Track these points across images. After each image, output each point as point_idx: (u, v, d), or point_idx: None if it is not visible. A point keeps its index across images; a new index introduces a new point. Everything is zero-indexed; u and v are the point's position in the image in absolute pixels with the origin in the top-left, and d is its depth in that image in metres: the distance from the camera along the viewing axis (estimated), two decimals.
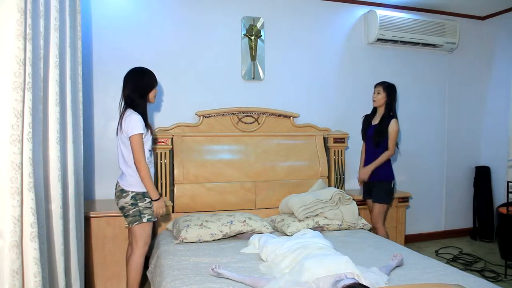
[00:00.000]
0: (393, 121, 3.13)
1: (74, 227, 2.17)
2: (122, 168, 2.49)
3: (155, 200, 2.44)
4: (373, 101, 3.26)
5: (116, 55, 3.23)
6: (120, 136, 2.44)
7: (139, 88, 2.47)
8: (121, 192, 2.45)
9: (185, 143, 3.27)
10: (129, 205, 2.42)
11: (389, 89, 3.21)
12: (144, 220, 2.43)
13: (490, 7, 4.17)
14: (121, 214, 2.52)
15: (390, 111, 3.19)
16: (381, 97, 3.20)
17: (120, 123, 2.43)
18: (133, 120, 2.36)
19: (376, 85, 3.27)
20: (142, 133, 2.38)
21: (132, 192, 2.43)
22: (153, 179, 2.58)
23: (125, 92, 2.47)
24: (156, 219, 2.52)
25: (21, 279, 1.50)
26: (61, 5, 1.95)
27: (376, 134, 3.17)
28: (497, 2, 4.00)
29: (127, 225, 2.51)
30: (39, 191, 1.65)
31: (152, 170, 2.53)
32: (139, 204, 2.43)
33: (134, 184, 2.43)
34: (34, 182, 1.55)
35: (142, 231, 2.46)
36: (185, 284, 2.02)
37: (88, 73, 3.14)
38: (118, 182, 2.53)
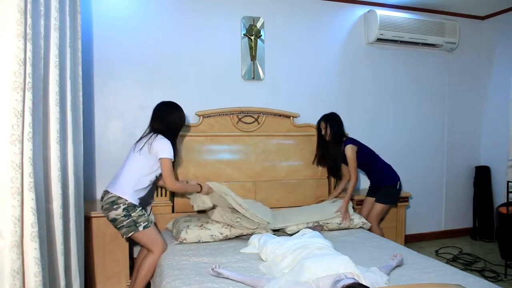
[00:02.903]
0: (347, 148, 3.16)
1: (74, 227, 2.17)
2: (124, 175, 2.47)
3: (200, 192, 2.69)
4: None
5: (116, 55, 3.24)
6: (143, 152, 2.45)
7: (176, 125, 2.59)
8: (111, 205, 2.42)
9: (185, 143, 3.27)
10: (121, 216, 2.41)
11: (326, 120, 3.28)
12: (141, 228, 2.43)
13: (490, 7, 4.17)
14: (113, 225, 2.48)
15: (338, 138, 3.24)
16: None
17: (148, 142, 2.45)
18: (167, 145, 2.45)
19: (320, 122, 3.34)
20: (172, 159, 2.47)
21: (125, 202, 2.41)
22: (151, 204, 2.65)
23: (156, 125, 2.53)
24: (152, 223, 2.53)
25: (22, 279, 1.50)
26: (61, 5, 1.95)
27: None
28: (497, 2, 4.00)
29: (123, 236, 2.49)
30: (39, 191, 1.65)
31: (144, 192, 2.56)
32: (132, 214, 2.42)
33: (129, 194, 2.44)
34: (34, 182, 1.55)
35: (146, 237, 2.47)
36: (185, 284, 2.02)
37: (88, 73, 3.14)
38: (108, 192, 2.48)
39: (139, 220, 2.43)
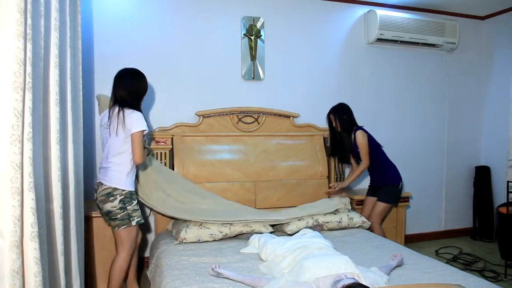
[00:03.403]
0: (357, 133, 3.17)
1: (74, 227, 2.17)
2: (112, 165, 2.39)
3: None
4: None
5: (116, 55, 3.24)
6: (120, 134, 2.36)
7: (136, 93, 2.46)
8: (107, 196, 2.38)
9: (185, 143, 3.27)
10: (117, 209, 2.37)
11: (335, 112, 3.29)
12: (133, 223, 2.41)
13: (490, 7, 4.17)
14: (107, 217, 2.44)
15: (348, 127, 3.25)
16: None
17: (119, 122, 2.34)
18: (139, 117, 2.35)
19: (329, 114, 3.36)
20: (145, 130, 2.38)
21: (121, 193, 2.37)
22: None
23: (119, 93, 2.41)
24: (144, 221, 2.50)
25: (22, 279, 1.50)
26: (61, 5, 1.95)
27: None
28: (497, 2, 4.00)
29: (114, 228, 2.43)
30: (39, 191, 1.65)
31: (135, 170, 2.50)
32: (128, 207, 2.39)
33: (123, 182, 2.39)
34: (34, 182, 1.55)
35: (129, 234, 2.43)
36: (185, 284, 2.02)
37: (89, 73, 3.14)
38: (101, 183, 2.42)
39: (133, 215, 2.41)
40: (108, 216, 2.42)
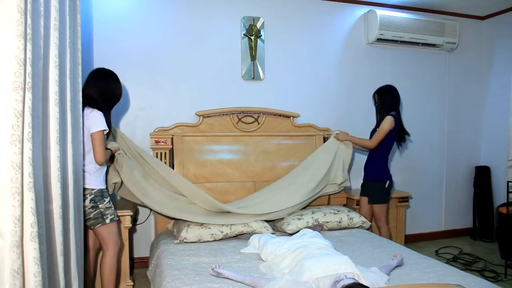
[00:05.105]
0: (387, 118, 3.10)
1: (74, 227, 2.16)
2: (83, 166, 2.34)
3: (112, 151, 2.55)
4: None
5: (116, 55, 3.24)
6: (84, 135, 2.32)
7: (110, 94, 2.42)
8: None
9: (185, 143, 3.27)
10: (89, 208, 2.35)
11: (379, 92, 3.27)
12: (107, 221, 2.39)
13: (490, 7, 4.18)
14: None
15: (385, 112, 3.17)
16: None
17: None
18: (97, 116, 2.31)
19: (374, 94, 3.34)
20: (105, 130, 2.34)
21: (91, 192, 2.35)
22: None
23: (88, 91, 2.34)
24: (118, 218, 2.50)
25: (22, 279, 1.50)
26: (61, 5, 1.95)
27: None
28: (497, 2, 4.00)
29: (90, 228, 2.41)
30: (39, 191, 1.65)
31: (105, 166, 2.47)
32: (100, 205, 2.37)
33: (92, 181, 2.36)
34: (34, 182, 1.55)
35: (109, 231, 2.42)
36: (185, 284, 2.02)
37: (88, 73, 3.13)
38: None
39: (106, 213, 2.38)
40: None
